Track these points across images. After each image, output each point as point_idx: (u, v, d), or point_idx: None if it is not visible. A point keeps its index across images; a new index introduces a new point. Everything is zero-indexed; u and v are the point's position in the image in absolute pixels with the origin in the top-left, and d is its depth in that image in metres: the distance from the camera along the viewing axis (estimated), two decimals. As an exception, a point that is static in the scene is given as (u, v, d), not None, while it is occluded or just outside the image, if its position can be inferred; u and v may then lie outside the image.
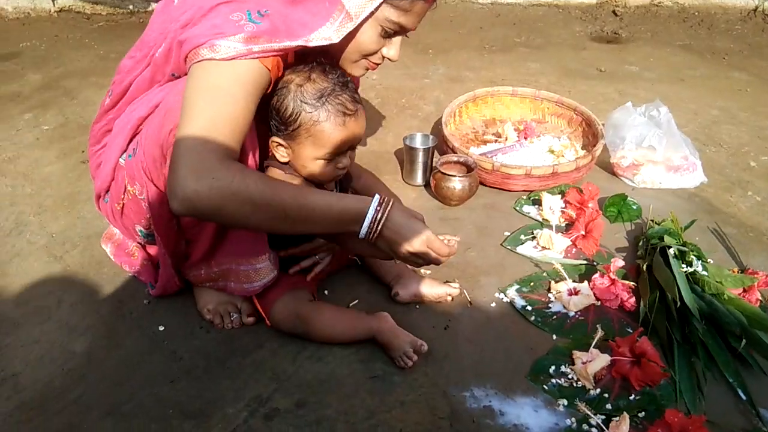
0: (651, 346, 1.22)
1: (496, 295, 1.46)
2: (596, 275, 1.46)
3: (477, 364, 1.27)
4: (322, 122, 1.18)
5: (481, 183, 1.89)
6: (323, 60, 1.22)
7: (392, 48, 1.24)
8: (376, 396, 1.19)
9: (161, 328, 1.33)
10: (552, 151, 2.02)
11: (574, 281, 1.48)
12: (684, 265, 1.46)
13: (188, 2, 1.14)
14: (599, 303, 1.43)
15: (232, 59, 1.04)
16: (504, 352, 1.30)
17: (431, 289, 1.40)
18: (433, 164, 1.84)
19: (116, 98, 1.31)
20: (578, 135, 2.15)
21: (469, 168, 1.80)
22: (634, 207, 1.81)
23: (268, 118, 1.23)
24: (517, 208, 1.81)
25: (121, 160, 1.28)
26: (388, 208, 1.12)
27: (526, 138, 2.11)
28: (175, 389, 1.20)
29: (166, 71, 1.20)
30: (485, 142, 2.13)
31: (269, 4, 1.10)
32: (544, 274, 1.54)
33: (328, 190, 1.25)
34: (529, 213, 1.79)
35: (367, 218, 1.11)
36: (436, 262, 1.18)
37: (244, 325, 1.34)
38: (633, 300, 1.42)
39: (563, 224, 1.73)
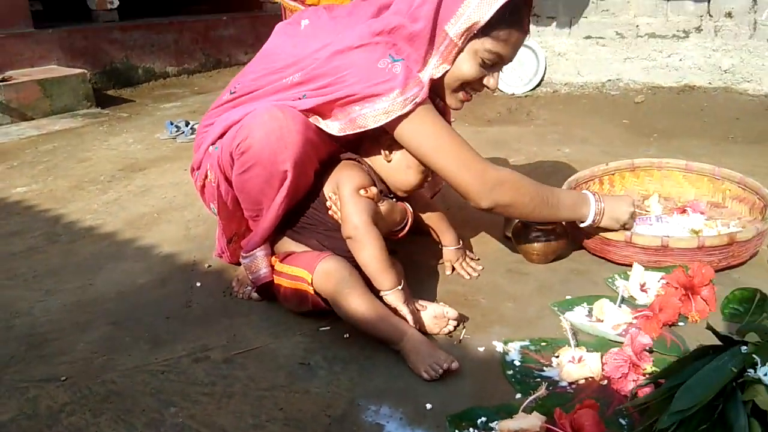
0: (595, 423, 0.91)
1: (494, 342, 1.27)
2: (616, 349, 1.14)
3: (406, 389, 1.13)
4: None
5: (583, 247, 1.65)
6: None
7: (492, 78, 1.35)
8: (290, 377, 1.18)
9: (198, 284, 1.57)
10: (695, 232, 1.63)
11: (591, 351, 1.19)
12: (752, 371, 1.03)
13: (318, 30, 1.36)
14: (606, 382, 1.11)
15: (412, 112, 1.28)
16: (447, 385, 1.13)
17: (434, 308, 1.31)
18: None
19: (238, 95, 1.45)
20: (755, 223, 1.67)
21: (560, 224, 1.60)
22: (773, 311, 1.33)
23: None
24: (609, 282, 1.51)
25: (210, 148, 1.54)
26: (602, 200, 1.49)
27: (683, 213, 1.74)
28: (164, 323, 1.40)
29: (291, 93, 1.34)
30: (628, 215, 1.84)
31: (399, 46, 1.29)
32: (573, 342, 1.26)
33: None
34: (617, 288, 1.47)
35: (592, 207, 1.47)
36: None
37: (251, 299, 1.47)
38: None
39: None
